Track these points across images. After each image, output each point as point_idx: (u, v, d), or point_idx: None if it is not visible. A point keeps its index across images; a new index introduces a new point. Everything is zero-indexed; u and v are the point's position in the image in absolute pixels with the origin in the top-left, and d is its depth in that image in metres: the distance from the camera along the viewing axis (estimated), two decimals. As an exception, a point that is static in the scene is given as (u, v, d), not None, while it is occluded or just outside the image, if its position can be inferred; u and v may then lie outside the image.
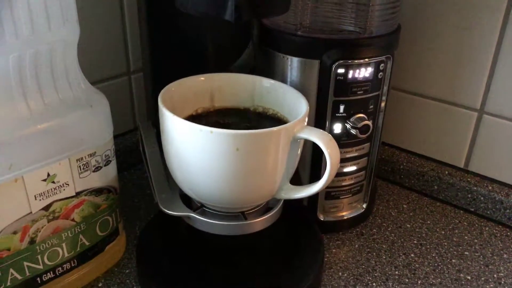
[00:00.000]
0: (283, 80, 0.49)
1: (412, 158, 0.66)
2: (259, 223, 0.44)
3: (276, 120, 0.46)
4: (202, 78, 0.46)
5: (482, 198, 0.60)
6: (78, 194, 0.43)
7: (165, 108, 0.39)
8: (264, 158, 0.39)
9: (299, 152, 0.43)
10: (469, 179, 0.61)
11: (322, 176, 0.40)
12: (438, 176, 0.63)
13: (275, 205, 0.46)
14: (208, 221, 0.43)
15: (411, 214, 0.61)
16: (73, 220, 0.43)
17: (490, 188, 0.60)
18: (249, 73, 0.49)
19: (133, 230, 0.55)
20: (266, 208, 0.46)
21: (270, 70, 0.50)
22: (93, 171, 0.43)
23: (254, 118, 0.47)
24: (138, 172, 0.66)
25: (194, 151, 0.39)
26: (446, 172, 0.63)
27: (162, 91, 0.43)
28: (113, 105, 0.63)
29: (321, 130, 0.40)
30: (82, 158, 0.42)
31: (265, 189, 0.42)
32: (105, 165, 0.45)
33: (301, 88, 0.47)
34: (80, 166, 0.42)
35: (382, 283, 0.49)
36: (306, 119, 0.41)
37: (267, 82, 0.47)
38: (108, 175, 0.45)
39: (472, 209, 0.61)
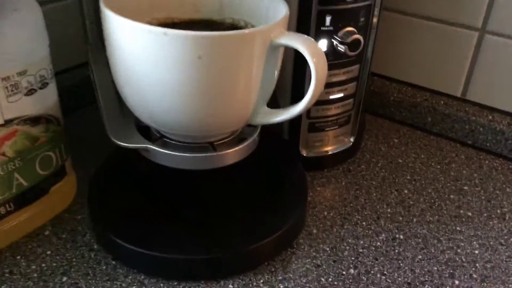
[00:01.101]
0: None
1: (404, 88, 0.59)
2: (231, 154, 0.37)
3: (239, 27, 0.38)
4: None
5: (481, 129, 0.54)
6: (7, 122, 0.35)
7: (107, 7, 0.31)
8: (234, 69, 0.31)
9: (278, 64, 0.35)
10: (466, 109, 0.55)
11: (305, 95, 0.33)
12: (432, 106, 0.57)
13: (249, 135, 0.39)
14: (170, 153, 0.36)
15: (402, 148, 0.54)
16: (4, 155, 0.35)
17: (490, 118, 0.54)
18: None
19: (88, 172, 0.47)
20: (240, 139, 0.39)
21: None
22: (25, 95, 0.35)
23: (219, 27, 0.39)
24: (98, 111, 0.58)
25: (144, 61, 0.31)
26: (442, 102, 0.56)
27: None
28: (60, 30, 0.55)
29: (304, 35, 0.32)
30: (9, 78, 0.34)
31: (237, 112, 0.34)
32: (40, 88, 0.36)
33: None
34: (7, 88, 0.34)
35: (373, 222, 0.43)
36: (286, 25, 0.34)
37: None
38: (45, 101, 0.37)
39: (470, 142, 0.55)
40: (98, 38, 0.48)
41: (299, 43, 0.31)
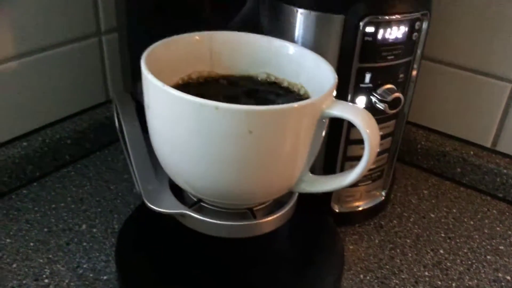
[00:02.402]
0: (294, 40, 0.39)
1: (432, 136, 0.57)
2: (271, 222, 0.35)
3: (291, 93, 0.36)
4: (197, 37, 0.36)
5: (513, 182, 0.53)
6: None
7: (152, 75, 0.29)
8: (284, 141, 0.30)
9: (323, 133, 0.33)
10: (497, 161, 0.54)
11: (358, 165, 0.31)
12: (461, 157, 0.55)
13: (288, 199, 0.37)
14: (208, 220, 0.34)
15: (433, 201, 0.53)
16: None
17: (522, 171, 0.52)
18: (251, 31, 0.39)
19: (109, 223, 0.45)
20: (277, 202, 0.37)
21: (277, 27, 0.40)
22: None
23: (263, 89, 0.37)
24: (114, 153, 0.56)
25: (192, 133, 0.29)
26: (471, 153, 0.55)
27: (146, 52, 0.32)
28: (80, 72, 0.53)
29: (356, 105, 0.31)
30: None
31: (283, 181, 0.33)
32: None
33: (317, 51, 0.37)
34: None
35: (412, 287, 0.41)
36: (335, 92, 0.32)
37: (281, 44, 0.37)
38: None
39: (501, 195, 0.54)
40: (123, 87, 0.46)
41: (353, 114, 0.30)
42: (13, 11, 0.45)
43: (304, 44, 0.39)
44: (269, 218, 0.35)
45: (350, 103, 0.31)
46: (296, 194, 0.37)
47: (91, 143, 0.55)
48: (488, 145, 0.55)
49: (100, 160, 0.54)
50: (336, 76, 0.32)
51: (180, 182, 0.33)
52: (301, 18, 0.39)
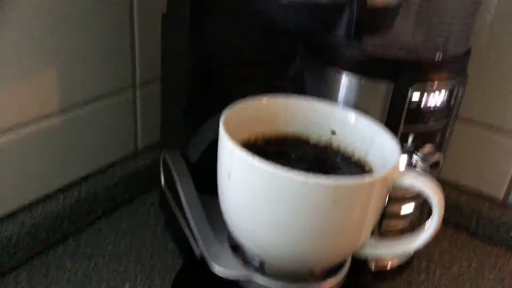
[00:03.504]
0: (338, 102, 0.42)
1: (446, 187, 0.60)
2: (332, 283, 0.36)
3: (351, 159, 0.39)
4: (264, 102, 0.38)
5: (526, 235, 0.56)
6: None
7: (238, 147, 0.31)
8: (362, 210, 0.31)
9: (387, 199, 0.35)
10: (511, 214, 0.57)
11: (426, 228, 0.33)
12: (476, 209, 0.58)
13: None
14: (274, 282, 0.35)
15: (454, 253, 0.55)
16: None
17: (535, 224, 0.56)
18: (296, 91, 0.42)
19: (152, 282, 0.45)
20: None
21: (322, 89, 0.43)
22: None
23: (325, 155, 0.39)
24: (143, 206, 0.56)
25: (276, 204, 0.30)
26: (486, 206, 0.58)
27: (224, 118, 0.34)
28: (112, 125, 0.54)
29: (423, 174, 0.33)
30: None
31: (353, 246, 0.34)
32: None
33: (363, 114, 0.40)
34: None
35: None
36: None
37: (347, 113, 0.39)
38: None
39: (516, 247, 0.57)
40: (172, 140, 0.46)
41: (423, 184, 0.32)
42: (58, 68, 0.45)
43: (350, 106, 0.42)
44: (331, 279, 0.36)
45: (420, 173, 0.33)
46: (350, 255, 0.38)
47: (121, 196, 0.55)
48: (500, 198, 0.58)
49: (131, 213, 0.54)
50: (400, 147, 0.35)
51: (252, 248, 0.34)
52: (349, 82, 0.41)
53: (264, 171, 0.30)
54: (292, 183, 0.29)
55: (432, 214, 0.33)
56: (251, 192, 0.31)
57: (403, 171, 0.33)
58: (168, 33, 0.43)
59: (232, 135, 0.32)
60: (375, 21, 0.30)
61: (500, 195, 0.58)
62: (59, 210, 0.48)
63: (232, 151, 0.31)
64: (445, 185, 0.59)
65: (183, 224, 0.42)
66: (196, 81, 0.42)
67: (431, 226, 0.33)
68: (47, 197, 0.48)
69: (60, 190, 0.49)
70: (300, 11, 0.29)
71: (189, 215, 0.40)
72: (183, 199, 0.41)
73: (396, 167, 0.32)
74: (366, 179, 0.30)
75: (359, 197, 0.30)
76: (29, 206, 0.47)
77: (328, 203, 0.29)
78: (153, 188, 0.58)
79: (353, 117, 0.39)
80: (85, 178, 0.52)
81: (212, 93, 0.42)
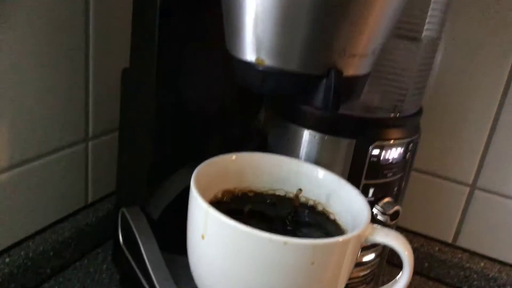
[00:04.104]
0: (301, 158, 0.42)
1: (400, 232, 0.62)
2: None
3: (318, 213, 0.39)
4: (233, 158, 0.38)
5: (475, 275, 0.58)
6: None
7: (213, 208, 0.30)
8: (338, 269, 0.32)
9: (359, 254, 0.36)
10: (460, 255, 0.59)
11: (397, 281, 0.34)
12: (428, 252, 0.60)
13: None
14: None
15: (411, 297, 0.56)
16: None
17: (482, 264, 0.58)
18: (258, 147, 0.42)
19: None
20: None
21: (285, 145, 0.43)
22: None
23: (292, 209, 0.39)
24: (94, 263, 0.53)
25: (252, 265, 0.30)
26: (436, 248, 0.60)
27: (195, 177, 0.33)
28: (62, 179, 0.51)
29: (393, 230, 0.34)
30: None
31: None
32: None
33: (327, 169, 0.41)
34: None
35: None
36: (369, 218, 0.35)
37: (312, 169, 0.40)
38: None
39: (466, 287, 0.59)
40: (131, 196, 0.45)
41: (393, 240, 0.33)
42: (5, 122, 0.43)
43: (313, 162, 0.42)
44: None
45: (389, 229, 0.34)
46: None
47: (71, 252, 0.52)
48: (450, 240, 0.61)
49: (82, 271, 0.51)
50: (367, 203, 0.35)
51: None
52: (312, 139, 0.42)
53: (243, 233, 0.29)
54: (272, 245, 0.29)
55: (403, 268, 0.33)
56: (228, 254, 0.30)
57: (374, 228, 0.33)
58: (130, 88, 0.42)
59: (203, 192, 0.32)
60: (350, 90, 0.31)
61: (449, 238, 0.61)
62: (5, 272, 0.44)
63: (207, 212, 0.30)
64: (398, 230, 0.62)
65: (144, 283, 0.40)
66: (160, 136, 0.41)
67: (403, 278, 0.34)
68: (-9, 259, 0.44)
69: (6, 250, 0.46)
70: (276, 79, 0.29)
71: (152, 275, 0.38)
72: (145, 257, 0.39)
73: (368, 225, 0.33)
74: (341, 238, 0.31)
75: (335, 256, 0.31)
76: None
77: (307, 264, 0.29)
78: (105, 243, 0.55)
79: (318, 172, 0.39)
80: (32, 236, 0.49)
81: (176, 148, 0.42)
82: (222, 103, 0.43)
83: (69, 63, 0.47)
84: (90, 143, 0.53)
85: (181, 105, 0.42)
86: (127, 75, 0.42)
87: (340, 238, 0.31)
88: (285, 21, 0.27)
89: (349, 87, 0.30)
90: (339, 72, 0.28)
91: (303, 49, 0.28)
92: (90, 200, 0.56)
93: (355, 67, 0.30)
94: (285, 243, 0.29)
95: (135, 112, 0.42)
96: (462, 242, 0.60)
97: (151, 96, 0.38)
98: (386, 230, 0.34)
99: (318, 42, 0.27)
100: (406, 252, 0.33)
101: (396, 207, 0.44)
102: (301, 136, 0.42)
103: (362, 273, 0.48)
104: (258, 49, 0.28)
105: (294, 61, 0.28)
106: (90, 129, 0.52)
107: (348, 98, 0.32)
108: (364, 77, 0.32)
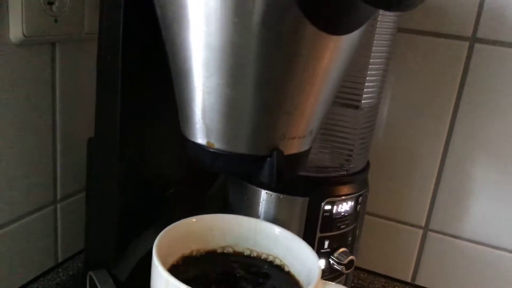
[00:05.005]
0: (258, 215, 0.45)
1: (362, 274, 0.65)
2: None
3: (276, 267, 0.42)
4: (193, 220, 0.41)
5: (435, 313, 0.62)
6: None
7: (174, 278, 0.32)
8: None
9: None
10: (419, 294, 0.63)
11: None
12: (389, 292, 0.63)
13: None
14: None
15: (374, 338, 0.59)
16: None
17: (440, 303, 0.62)
18: (220, 207, 0.45)
19: None
20: None
21: (245, 204, 0.46)
22: None
23: (254, 266, 0.41)
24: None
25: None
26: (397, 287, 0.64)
27: (157, 244, 0.35)
28: (31, 240, 0.52)
29: (342, 286, 0.37)
30: None
31: None
32: None
33: (284, 224, 0.44)
34: None
35: None
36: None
37: (269, 226, 0.43)
38: None
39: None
40: (98, 259, 0.47)
41: (341, 296, 0.36)
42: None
43: (270, 219, 0.45)
44: None
45: (338, 285, 0.37)
46: None
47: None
48: (408, 280, 0.64)
49: (53, 333, 0.52)
50: (318, 259, 0.38)
51: None
52: (269, 199, 0.45)
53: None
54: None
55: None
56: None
57: (324, 283, 0.36)
58: (95, 157, 0.44)
59: (164, 259, 0.34)
60: (293, 165, 0.34)
61: (408, 278, 0.64)
62: None
63: (167, 280, 0.33)
64: (360, 271, 0.65)
65: None
66: (126, 201, 0.44)
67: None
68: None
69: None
70: (226, 159, 0.32)
71: None
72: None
73: (319, 280, 0.36)
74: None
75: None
76: None
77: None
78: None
79: (275, 230, 0.42)
80: (2, 301, 0.50)
81: (141, 210, 0.44)
82: (184, 168, 0.46)
83: (37, 128, 0.49)
84: (58, 205, 0.55)
85: (145, 170, 0.44)
86: (92, 144, 0.45)
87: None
88: (230, 113, 0.30)
89: (291, 163, 0.34)
90: (280, 152, 0.31)
91: (248, 135, 0.31)
92: (60, 259, 0.57)
93: (295, 147, 0.33)
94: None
95: (100, 179, 0.44)
96: (421, 281, 0.64)
97: (115, 164, 0.41)
98: (336, 286, 0.37)
99: (260, 130, 0.31)
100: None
101: (351, 257, 0.47)
102: (259, 196, 0.45)
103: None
104: (208, 135, 0.32)
105: (241, 144, 0.32)
106: (58, 192, 0.54)
107: (291, 173, 0.35)
108: (305, 152, 0.35)
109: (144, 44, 0.40)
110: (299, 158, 0.34)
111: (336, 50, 0.32)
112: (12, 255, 0.50)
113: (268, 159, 0.31)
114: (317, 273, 0.36)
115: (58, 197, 0.54)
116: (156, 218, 0.45)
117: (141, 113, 0.44)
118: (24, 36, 0.44)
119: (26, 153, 0.49)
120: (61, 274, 0.56)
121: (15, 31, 0.44)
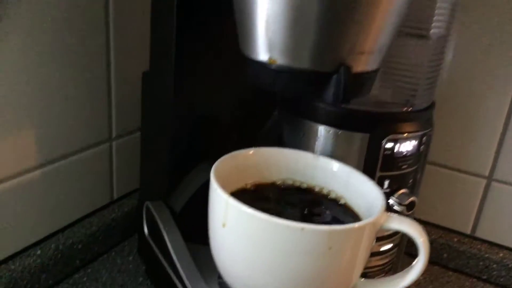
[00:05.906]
0: (316, 152, 0.44)
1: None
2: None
3: (334, 202, 0.40)
4: (251, 152, 0.40)
5: (494, 265, 0.59)
6: None
7: (232, 198, 0.32)
8: (356, 254, 0.33)
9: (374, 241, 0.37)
10: (479, 246, 0.60)
11: (413, 267, 0.35)
12: (446, 243, 0.61)
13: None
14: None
15: (430, 287, 0.57)
16: None
17: (501, 255, 0.59)
18: (276, 141, 0.43)
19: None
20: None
21: (300, 140, 0.45)
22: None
23: (310, 199, 0.40)
24: (121, 254, 0.55)
25: (272, 252, 0.31)
26: (455, 239, 0.61)
27: (215, 169, 0.35)
28: (88, 177, 0.53)
29: (408, 218, 0.35)
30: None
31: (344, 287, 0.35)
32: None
33: (343, 162, 0.42)
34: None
35: None
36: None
37: (327, 162, 0.41)
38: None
39: (485, 277, 0.60)
40: (154, 191, 0.47)
41: (408, 227, 0.34)
42: (32, 124, 0.45)
43: (328, 155, 0.44)
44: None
45: (405, 217, 0.35)
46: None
47: (99, 245, 0.54)
48: (468, 232, 0.62)
49: (110, 263, 0.53)
50: (382, 192, 0.37)
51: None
52: (327, 134, 0.43)
53: (261, 220, 0.31)
54: (289, 231, 0.30)
55: (419, 254, 0.35)
56: (247, 240, 0.32)
57: (389, 215, 0.35)
58: (150, 90, 0.44)
59: (222, 185, 0.33)
60: (360, 85, 0.32)
61: (468, 229, 0.61)
62: (37, 263, 0.47)
63: (227, 201, 0.32)
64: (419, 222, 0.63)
65: (170, 272, 0.42)
66: (178, 135, 0.43)
67: (418, 265, 0.35)
68: (25, 250, 0.47)
69: (37, 243, 0.48)
70: (288, 77, 0.31)
71: (178, 264, 0.40)
72: (170, 247, 0.41)
73: (383, 212, 0.34)
74: (357, 224, 0.32)
75: (352, 241, 0.32)
76: (7, 260, 0.45)
77: (324, 249, 0.31)
78: (130, 237, 0.58)
79: (333, 165, 0.41)
80: (62, 230, 0.51)
81: (194, 145, 0.43)
82: (237, 103, 0.45)
83: (91, 67, 0.49)
84: (114, 143, 0.55)
85: (198, 106, 0.43)
86: (147, 78, 0.44)
87: (355, 224, 0.32)
88: (295, 23, 0.28)
89: (358, 82, 0.32)
90: (348, 68, 0.29)
91: (313, 48, 0.29)
92: (115, 196, 0.58)
93: (363, 64, 0.31)
94: (302, 229, 0.30)
95: (154, 113, 0.44)
96: (481, 233, 0.61)
97: (169, 97, 0.40)
98: (400, 218, 0.35)
99: (327, 42, 0.29)
100: (421, 239, 0.34)
101: (412, 198, 0.45)
102: (315, 132, 0.44)
103: (381, 262, 0.49)
104: (270, 50, 0.30)
105: (305, 59, 0.30)
106: (114, 130, 0.54)
107: (357, 93, 0.33)
108: (373, 73, 0.33)
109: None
110: (366, 77, 0.32)
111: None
112: (71, 189, 0.51)
113: (335, 75, 0.29)
114: (380, 205, 0.35)
115: (113, 135, 0.55)
116: (207, 155, 0.44)
117: (197, 47, 0.43)
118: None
119: (81, 90, 0.49)
120: (117, 210, 0.57)
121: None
